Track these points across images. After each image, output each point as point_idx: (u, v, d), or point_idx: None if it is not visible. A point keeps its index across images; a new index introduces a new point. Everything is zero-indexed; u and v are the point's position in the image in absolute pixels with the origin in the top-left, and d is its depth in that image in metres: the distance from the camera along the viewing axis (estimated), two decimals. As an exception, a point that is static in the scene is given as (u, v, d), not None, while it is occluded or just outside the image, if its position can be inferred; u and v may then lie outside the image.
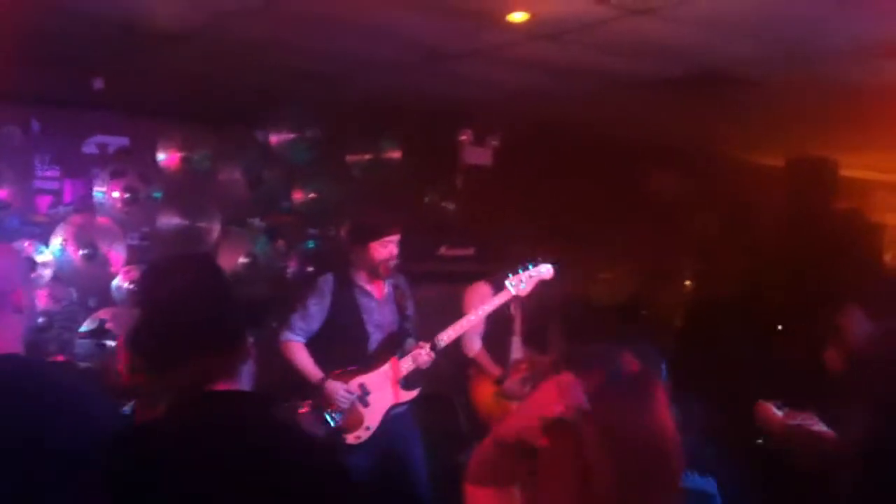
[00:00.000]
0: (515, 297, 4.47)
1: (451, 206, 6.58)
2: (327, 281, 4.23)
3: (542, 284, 4.54)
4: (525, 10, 3.77)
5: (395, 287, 4.36)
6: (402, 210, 4.97)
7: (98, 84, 5.13)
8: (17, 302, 2.07)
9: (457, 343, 4.48)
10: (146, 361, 1.79)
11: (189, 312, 1.74)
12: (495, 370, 4.85)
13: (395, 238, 4.23)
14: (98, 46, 4.47)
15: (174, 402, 1.72)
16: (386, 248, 4.19)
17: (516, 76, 4.99)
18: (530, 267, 4.51)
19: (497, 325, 4.76)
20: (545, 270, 4.56)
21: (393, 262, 4.22)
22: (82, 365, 4.65)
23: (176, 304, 1.75)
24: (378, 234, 4.20)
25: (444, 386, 4.84)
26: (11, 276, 2.10)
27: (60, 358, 4.65)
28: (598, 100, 5.54)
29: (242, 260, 5.73)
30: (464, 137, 6.64)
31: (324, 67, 4.91)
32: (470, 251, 6.39)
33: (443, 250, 6.31)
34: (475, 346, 4.79)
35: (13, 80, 4.96)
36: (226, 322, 1.79)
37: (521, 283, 4.46)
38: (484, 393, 4.88)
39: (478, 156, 6.71)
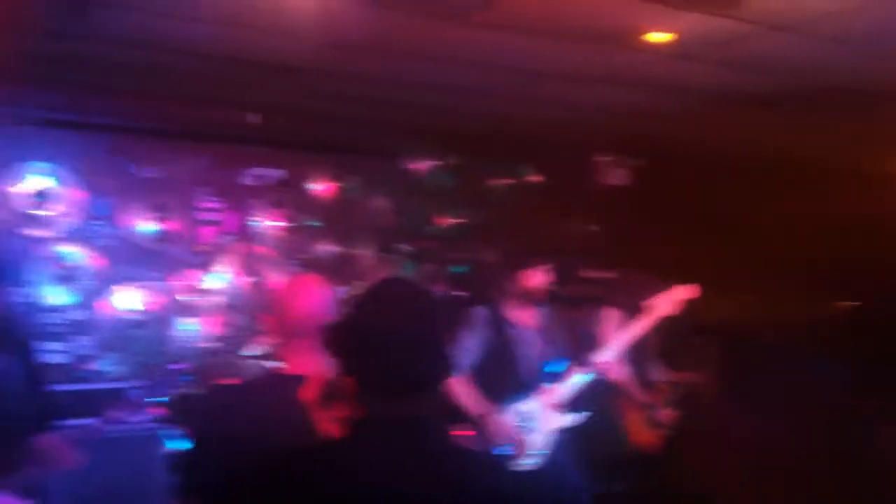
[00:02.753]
0: (660, 318, 4.42)
1: (593, 228, 6.60)
2: (479, 314, 4.27)
3: (684, 304, 4.48)
4: (666, 30, 3.79)
5: (545, 313, 4.38)
6: (550, 237, 5.01)
7: (253, 118, 5.44)
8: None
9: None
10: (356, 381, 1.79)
11: (403, 336, 1.74)
12: (643, 396, 4.83)
13: (547, 266, 4.28)
14: (253, 86, 4.74)
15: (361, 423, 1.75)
16: (538, 277, 4.24)
17: (651, 96, 4.99)
18: (673, 287, 4.46)
19: (638, 351, 4.72)
20: (690, 290, 4.50)
21: (545, 291, 4.25)
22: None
23: (390, 326, 1.76)
24: (530, 262, 4.25)
25: (601, 412, 4.84)
26: (327, 307, 2.33)
27: (232, 380, 4.91)
28: (733, 118, 5.47)
29: (392, 285, 5.89)
30: (602, 159, 6.65)
31: (461, 100, 5.05)
32: (611, 274, 6.38)
33: (584, 273, 6.33)
34: (622, 372, 4.77)
35: (178, 120, 5.35)
36: (433, 349, 1.79)
37: (665, 302, 4.41)
38: (635, 420, 4.87)
39: (617, 177, 6.71)
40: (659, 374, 5.00)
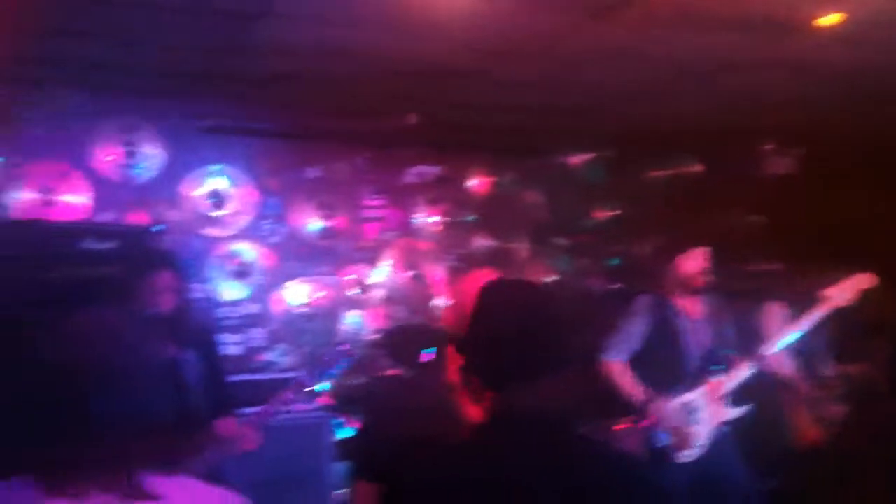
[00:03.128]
0: (833, 309, 4.24)
1: (756, 218, 6.39)
2: (644, 301, 4.22)
3: (859, 295, 4.28)
4: (837, 12, 3.64)
5: (711, 304, 4.30)
6: (711, 228, 4.91)
7: (411, 119, 5.60)
8: None
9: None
10: (480, 377, 1.87)
11: (525, 332, 1.80)
12: (810, 390, 4.64)
13: (704, 251, 4.19)
14: (412, 89, 4.89)
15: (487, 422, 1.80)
16: (695, 262, 4.16)
17: (818, 82, 4.78)
18: (850, 276, 4.27)
19: (804, 343, 4.55)
20: (866, 278, 4.29)
21: (704, 276, 4.17)
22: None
23: (511, 322, 1.82)
24: (682, 247, 4.18)
25: (766, 406, 4.70)
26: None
27: (396, 372, 5.08)
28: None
29: (550, 277, 5.96)
30: (767, 147, 6.42)
31: (615, 97, 5.00)
32: (778, 266, 6.15)
33: (750, 266, 6.13)
34: (788, 366, 4.62)
35: (339, 123, 5.58)
36: (559, 346, 1.83)
37: (842, 292, 4.23)
38: (799, 414, 4.70)
39: (782, 166, 6.46)
40: (828, 368, 4.80)
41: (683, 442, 3.98)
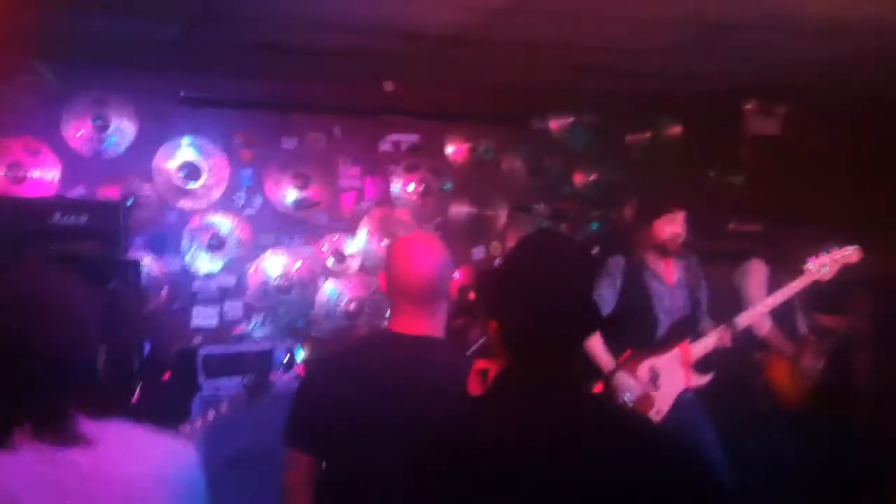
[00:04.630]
0: (815, 281, 4.23)
1: (738, 179, 6.34)
2: (618, 263, 4.20)
3: (842, 268, 4.26)
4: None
5: (687, 269, 4.27)
6: (684, 186, 4.87)
7: (388, 86, 5.54)
8: (453, 291, 2.39)
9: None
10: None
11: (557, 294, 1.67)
12: (789, 348, 4.64)
13: (679, 214, 4.15)
14: (386, 56, 4.80)
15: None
16: (670, 226, 4.12)
17: (803, 41, 4.71)
18: (835, 249, 4.25)
19: (785, 303, 4.54)
20: (850, 253, 4.27)
21: (680, 240, 4.15)
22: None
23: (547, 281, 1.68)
24: (662, 210, 4.13)
25: (737, 369, 4.68)
26: (451, 270, 2.39)
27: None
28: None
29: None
30: (749, 107, 6.36)
31: (597, 57, 4.92)
32: (757, 227, 6.12)
33: (731, 227, 6.09)
34: (766, 326, 4.60)
35: (316, 93, 5.51)
36: (580, 305, 1.70)
37: (824, 266, 4.22)
38: (780, 373, 4.69)
39: (765, 126, 6.39)
40: (807, 325, 4.79)
41: (645, 406, 3.97)
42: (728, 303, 4.45)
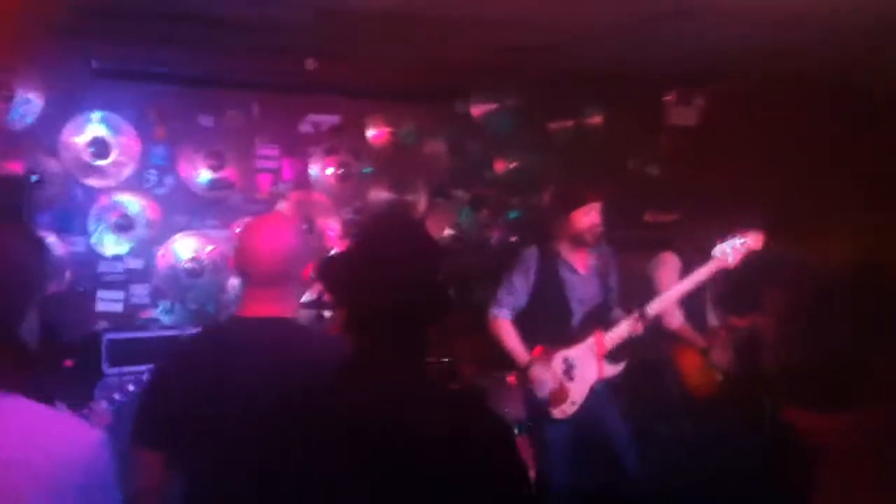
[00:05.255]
0: (723, 269, 4.31)
1: (655, 170, 6.42)
2: (532, 254, 4.21)
3: (749, 255, 4.35)
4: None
5: (599, 258, 4.30)
6: (603, 176, 4.90)
7: (310, 65, 5.40)
8: (305, 275, 2.33)
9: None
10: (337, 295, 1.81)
11: (396, 269, 1.73)
12: (700, 341, 4.72)
13: (597, 206, 4.16)
14: (307, 32, 4.68)
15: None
16: (588, 217, 4.13)
17: (721, 31, 4.75)
18: (738, 236, 4.33)
19: (695, 295, 4.62)
20: (754, 240, 4.36)
21: (597, 231, 4.17)
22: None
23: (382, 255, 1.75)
24: (579, 202, 4.14)
25: (650, 358, 4.74)
26: (304, 253, 2.33)
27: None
28: (818, 48, 5.15)
29: (448, 231, 5.90)
30: (668, 98, 6.42)
31: (521, 39, 4.88)
32: (674, 217, 6.20)
33: (647, 217, 6.17)
34: (677, 318, 4.67)
35: (233, 68, 5.34)
36: (425, 286, 1.76)
37: (728, 253, 4.30)
38: (691, 364, 4.77)
39: (683, 116, 6.47)
40: (717, 317, 4.88)
41: (559, 398, 4.00)
42: (641, 293, 4.49)
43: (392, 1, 4.08)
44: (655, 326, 4.32)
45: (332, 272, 1.79)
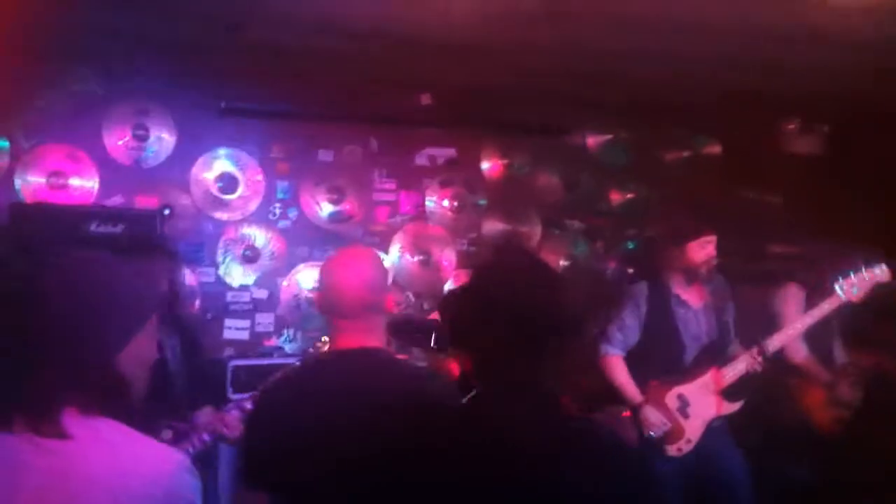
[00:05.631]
0: (847, 303, 4.14)
1: (776, 200, 6.25)
2: (641, 289, 4.14)
3: (875, 289, 4.16)
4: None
5: (714, 292, 4.19)
6: (720, 208, 4.80)
7: (425, 99, 5.54)
8: (389, 306, 2.35)
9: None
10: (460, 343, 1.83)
11: (515, 302, 1.73)
12: (825, 376, 4.54)
13: (713, 238, 4.08)
14: (420, 67, 4.80)
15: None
16: (704, 250, 4.03)
17: (842, 56, 4.61)
18: (863, 269, 4.15)
19: (820, 329, 4.46)
20: (880, 272, 4.17)
21: (712, 264, 4.08)
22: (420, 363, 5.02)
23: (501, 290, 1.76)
24: (695, 234, 4.05)
25: (768, 395, 4.60)
26: (385, 283, 2.38)
27: (402, 356, 5.06)
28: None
29: (562, 262, 5.90)
30: (790, 126, 6.26)
31: (630, 68, 4.87)
32: (797, 249, 6.02)
33: (768, 248, 6.00)
34: (801, 352, 4.52)
35: (352, 104, 5.52)
36: (551, 320, 1.76)
37: (853, 286, 4.12)
38: (815, 401, 4.60)
39: (805, 145, 6.29)
40: (844, 353, 4.69)
41: (675, 436, 3.91)
42: (763, 327, 4.37)
43: (506, 35, 4.16)
44: (777, 360, 4.18)
45: (453, 307, 1.81)
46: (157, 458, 1.54)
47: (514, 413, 1.69)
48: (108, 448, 1.51)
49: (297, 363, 3.04)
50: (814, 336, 4.44)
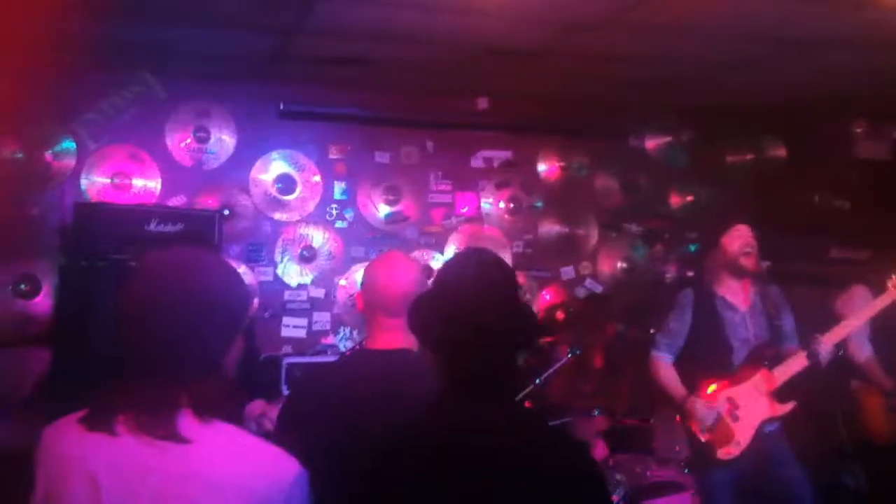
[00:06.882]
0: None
1: (844, 204, 6.08)
2: (687, 295, 4.10)
3: None
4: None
5: (763, 295, 4.08)
6: (786, 212, 4.69)
7: (482, 104, 5.55)
8: None
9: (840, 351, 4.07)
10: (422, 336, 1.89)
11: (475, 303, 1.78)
12: (887, 382, 4.39)
13: (744, 227, 4.00)
14: (477, 71, 4.81)
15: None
16: (738, 240, 3.97)
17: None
18: None
19: (886, 333, 4.31)
20: None
21: (752, 254, 3.98)
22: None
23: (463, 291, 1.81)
24: (725, 227, 4.02)
25: (825, 399, 4.45)
26: (420, 286, 2.38)
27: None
28: None
29: (621, 265, 5.84)
30: (858, 129, 6.09)
31: (691, 72, 4.80)
32: (864, 254, 5.85)
33: (833, 252, 5.84)
34: (864, 352, 4.38)
35: (409, 108, 5.55)
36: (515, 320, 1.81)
37: None
38: (873, 407, 4.45)
39: (874, 149, 6.12)
40: None
41: (724, 439, 3.81)
42: (821, 330, 4.24)
43: (564, 40, 4.14)
44: (835, 363, 4.03)
45: (415, 312, 1.87)
46: (280, 466, 1.55)
47: (472, 414, 1.73)
48: (230, 452, 1.52)
49: (332, 360, 3.07)
50: (881, 345, 4.32)
